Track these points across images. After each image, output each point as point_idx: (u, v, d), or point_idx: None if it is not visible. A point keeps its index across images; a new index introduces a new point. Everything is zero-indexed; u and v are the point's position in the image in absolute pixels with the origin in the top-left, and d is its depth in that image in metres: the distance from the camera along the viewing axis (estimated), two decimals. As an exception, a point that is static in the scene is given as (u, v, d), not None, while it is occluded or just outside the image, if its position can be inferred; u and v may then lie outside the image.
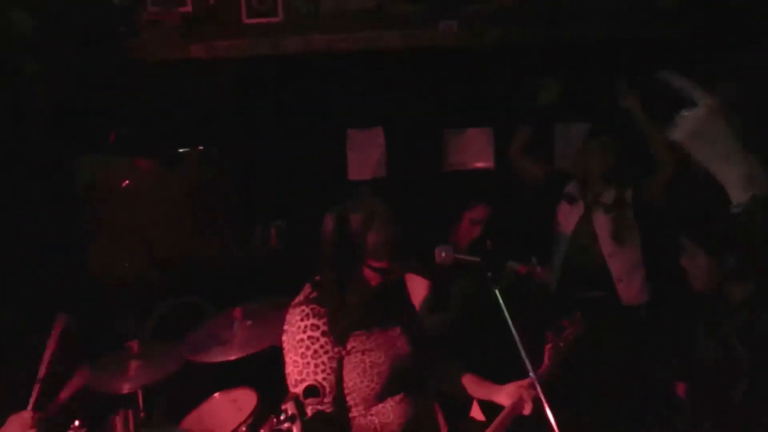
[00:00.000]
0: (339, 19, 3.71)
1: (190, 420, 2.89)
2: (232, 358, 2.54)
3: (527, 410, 2.05)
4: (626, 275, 3.17)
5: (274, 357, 2.25)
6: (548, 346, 2.23)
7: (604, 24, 3.67)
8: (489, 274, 2.01)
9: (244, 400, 2.85)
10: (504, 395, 2.12)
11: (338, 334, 1.90)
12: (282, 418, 1.62)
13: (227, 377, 2.98)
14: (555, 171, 3.45)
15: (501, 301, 1.96)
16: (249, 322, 2.69)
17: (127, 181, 3.43)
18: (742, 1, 3.45)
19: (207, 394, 2.95)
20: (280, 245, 3.70)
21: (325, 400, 1.87)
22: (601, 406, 2.94)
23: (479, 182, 3.30)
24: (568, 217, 3.28)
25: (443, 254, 2.12)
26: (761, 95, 3.52)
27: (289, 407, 1.63)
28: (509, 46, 3.69)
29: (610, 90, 3.43)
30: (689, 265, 2.19)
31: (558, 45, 3.68)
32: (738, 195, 1.65)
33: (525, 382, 2.09)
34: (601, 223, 3.19)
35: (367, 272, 1.92)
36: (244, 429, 2.67)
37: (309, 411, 1.82)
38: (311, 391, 1.73)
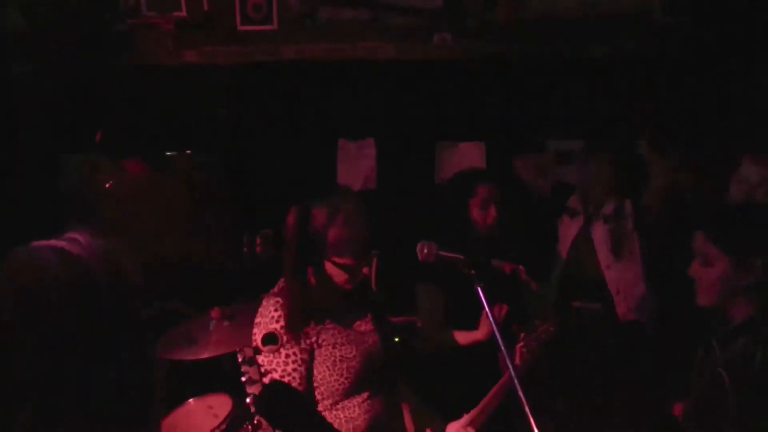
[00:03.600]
0: (334, 29, 3.71)
1: (164, 426, 2.81)
2: (205, 356, 2.47)
3: None
4: (624, 287, 3.10)
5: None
6: (519, 345, 2.19)
7: (600, 41, 3.66)
8: (472, 271, 1.94)
9: (220, 405, 2.77)
10: None
11: (293, 326, 1.86)
12: (240, 360, 1.64)
13: (204, 383, 2.91)
14: (560, 183, 3.41)
15: (483, 298, 1.89)
16: (226, 323, 2.63)
17: (111, 182, 3.37)
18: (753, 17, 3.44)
19: (182, 401, 2.88)
20: (266, 254, 3.63)
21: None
22: (590, 418, 2.85)
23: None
24: (568, 230, 3.26)
25: (425, 250, 2.05)
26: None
27: (246, 351, 1.63)
28: (504, 60, 3.67)
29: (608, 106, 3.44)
30: (702, 274, 1.93)
31: (553, 60, 3.67)
32: None
33: (463, 420, 2.09)
34: (600, 234, 3.16)
35: (331, 268, 1.90)
36: (217, 435, 2.59)
37: (265, 359, 1.83)
38: (269, 338, 1.71)
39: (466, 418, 2.10)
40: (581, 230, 3.21)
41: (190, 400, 2.85)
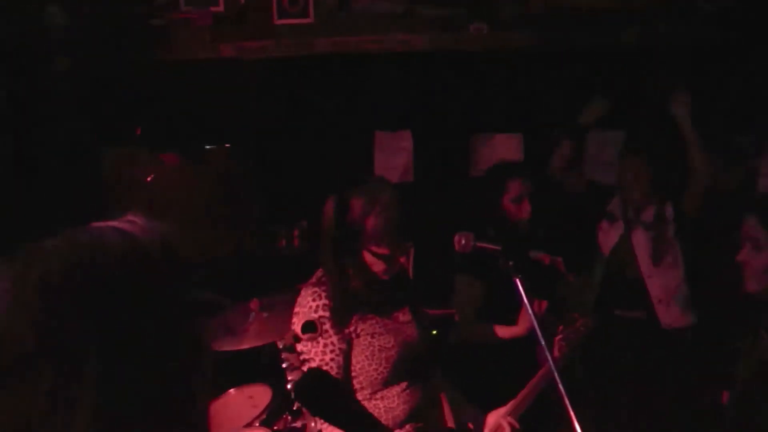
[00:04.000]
0: (369, 21, 3.71)
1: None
2: (245, 347, 2.50)
3: None
4: (666, 296, 3.01)
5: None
6: (558, 338, 2.18)
7: (639, 28, 3.60)
8: (510, 262, 1.94)
9: (260, 396, 2.80)
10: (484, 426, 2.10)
11: (338, 317, 1.87)
12: (281, 347, 1.66)
13: (244, 374, 2.94)
14: (596, 183, 3.36)
15: (522, 290, 1.88)
16: (265, 314, 2.66)
17: (152, 176, 3.42)
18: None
19: (222, 391, 2.92)
20: (303, 246, 3.66)
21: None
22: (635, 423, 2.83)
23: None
24: (608, 236, 3.17)
25: (463, 241, 2.05)
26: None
27: (286, 338, 1.65)
28: (540, 50, 3.63)
29: (647, 97, 3.37)
30: (752, 259, 1.89)
31: (591, 50, 3.62)
32: None
33: (503, 410, 2.09)
34: (640, 241, 3.06)
35: (369, 257, 1.90)
36: (257, 424, 2.62)
37: (303, 347, 1.86)
38: (308, 326, 1.73)
39: (506, 407, 2.09)
40: (621, 237, 3.11)
41: (230, 390, 2.89)
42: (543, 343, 1.74)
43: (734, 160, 3.54)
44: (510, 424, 2.06)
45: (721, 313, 2.99)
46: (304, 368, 1.83)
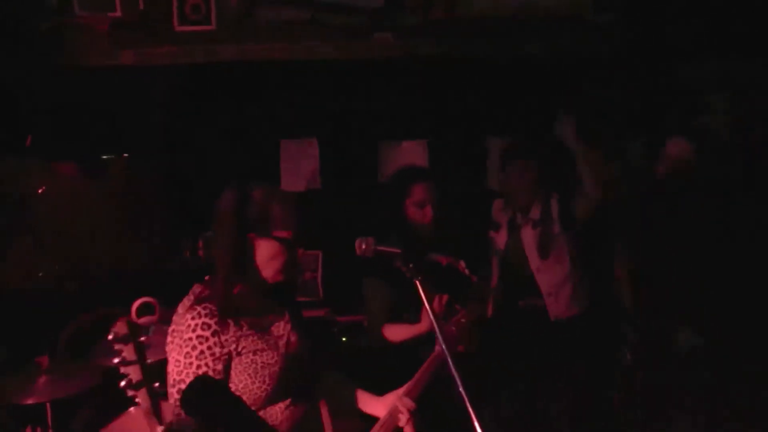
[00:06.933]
0: (273, 29, 3.68)
1: (102, 435, 2.75)
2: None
3: (403, 421, 2.08)
4: (554, 290, 3.15)
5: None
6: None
7: (538, 39, 3.72)
8: (410, 264, 1.95)
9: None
10: (381, 406, 2.14)
11: (224, 309, 1.81)
12: (111, 337, 1.55)
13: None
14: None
15: (421, 291, 1.90)
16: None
17: (43, 187, 3.26)
18: (676, 17, 3.59)
19: (123, 409, 2.81)
20: (208, 256, 3.57)
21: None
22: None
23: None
24: (498, 236, 3.30)
25: (363, 246, 2.06)
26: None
27: (119, 328, 1.55)
28: (444, 59, 3.70)
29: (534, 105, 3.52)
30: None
31: (492, 58, 3.72)
32: None
33: (400, 391, 2.13)
34: (529, 238, 3.19)
35: (269, 248, 1.86)
36: (158, 442, 2.52)
37: (175, 368, 1.80)
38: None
39: (402, 389, 2.14)
40: (510, 237, 3.25)
41: (131, 408, 2.78)
42: (440, 340, 1.77)
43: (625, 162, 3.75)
44: (406, 405, 2.09)
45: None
46: (174, 390, 1.77)
